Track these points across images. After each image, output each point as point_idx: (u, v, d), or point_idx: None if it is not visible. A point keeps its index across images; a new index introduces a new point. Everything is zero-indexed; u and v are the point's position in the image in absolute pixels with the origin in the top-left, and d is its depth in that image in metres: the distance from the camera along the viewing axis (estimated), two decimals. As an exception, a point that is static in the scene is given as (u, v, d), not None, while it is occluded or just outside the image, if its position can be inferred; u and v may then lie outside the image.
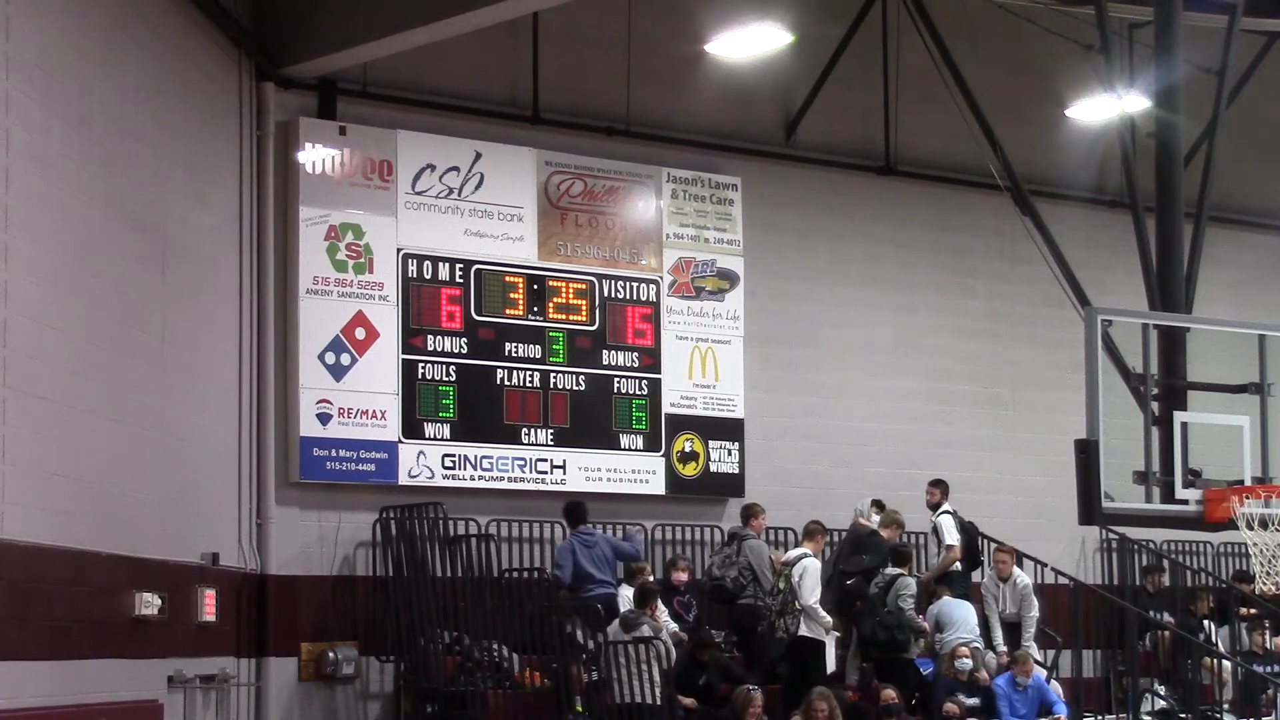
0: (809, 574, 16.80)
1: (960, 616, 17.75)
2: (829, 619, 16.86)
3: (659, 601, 16.64)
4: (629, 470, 18.03)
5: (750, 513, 17.88)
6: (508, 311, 17.49)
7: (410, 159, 17.13)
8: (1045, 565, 19.25)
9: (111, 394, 13.01)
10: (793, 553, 17.27)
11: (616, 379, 18.07)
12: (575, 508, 16.95)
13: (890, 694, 16.88)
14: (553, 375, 17.64)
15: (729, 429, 18.67)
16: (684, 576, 17.67)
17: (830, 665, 17.16)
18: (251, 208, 16.11)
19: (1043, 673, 17.99)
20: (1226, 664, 19.09)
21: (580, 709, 15.67)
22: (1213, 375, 14.73)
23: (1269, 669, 18.88)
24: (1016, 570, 18.54)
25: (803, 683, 16.34)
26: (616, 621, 15.96)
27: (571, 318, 17.84)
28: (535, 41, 17.90)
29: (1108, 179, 21.09)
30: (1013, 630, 18.39)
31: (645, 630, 15.78)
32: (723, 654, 16.86)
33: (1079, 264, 17.07)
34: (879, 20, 19.72)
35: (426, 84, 17.38)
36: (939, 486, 18.93)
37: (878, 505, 18.25)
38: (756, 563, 17.38)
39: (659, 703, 15.54)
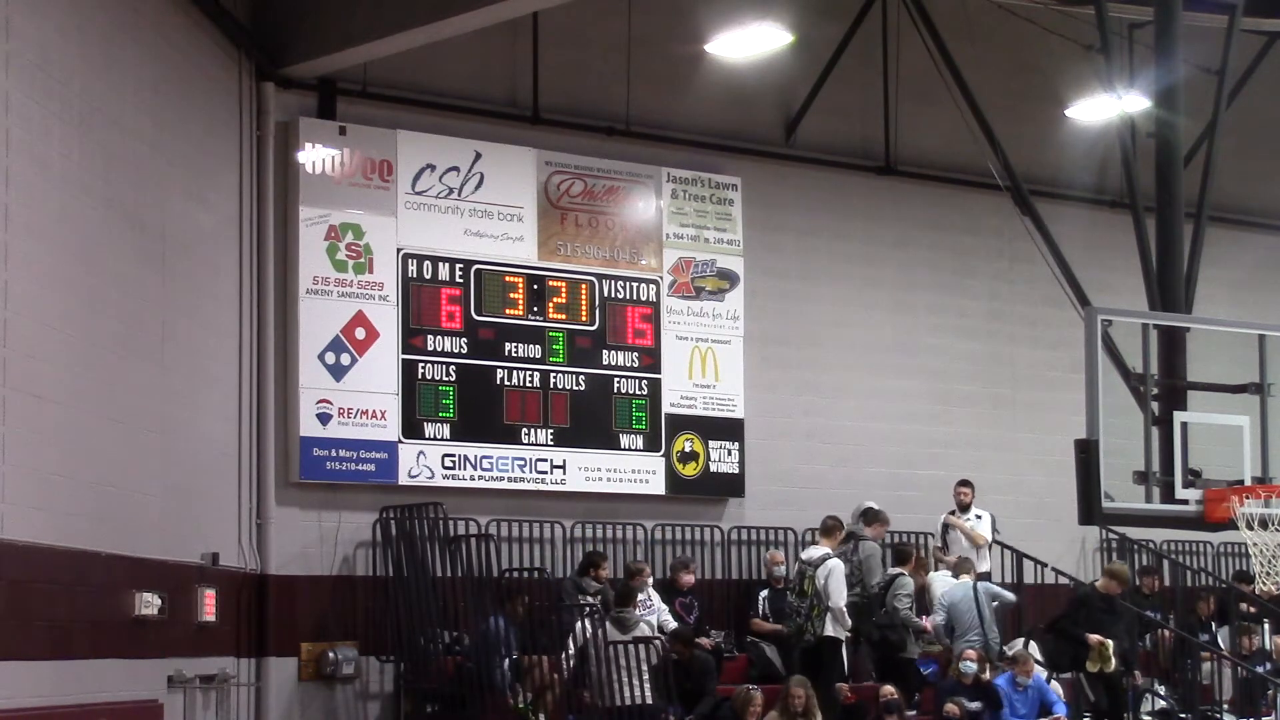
0: (835, 575, 16.77)
1: (963, 602, 17.79)
2: (849, 620, 16.89)
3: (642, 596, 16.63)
4: (629, 470, 18.02)
5: (877, 519, 17.92)
6: (508, 311, 17.49)
7: (410, 159, 17.13)
8: (1045, 565, 19.29)
9: (111, 394, 13.01)
10: (813, 552, 17.19)
11: (616, 379, 18.07)
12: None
13: (889, 689, 16.89)
14: (553, 375, 17.64)
15: (729, 429, 18.67)
16: (690, 579, 17.67)
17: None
18: (251, 208, 16.11)
19: (1043, 673, 17.99)
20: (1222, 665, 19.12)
21: (523, 706, 15.58)
22: (1213, 375, 14.71)
23: (1264, 667, 18.87)
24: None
25: (816, 682, 16.33)
26: (608, 623, 15.88)
27: (571, 318, 17.84)
28: (535, 41, 17.89)
29: (1108, 179, 21.08)
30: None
31: (643, 630, 15.75)
32: (706, 653, 16.80)
33: (1079, 264, 17.05)
34: (879, 20, 19.72)
35: (426, 84, 17.38)
36: (970, 486, 19.05)
37: (866, 515, 18.20)
38: (866, 564, 17.53)
39: (652, 702, 15.49)
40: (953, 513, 19.21)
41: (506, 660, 15.67)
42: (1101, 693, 17.49)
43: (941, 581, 18.48)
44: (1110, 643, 17.39)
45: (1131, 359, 14.31)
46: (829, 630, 16.73)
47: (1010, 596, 18.17)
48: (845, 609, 16.77)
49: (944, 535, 19.32)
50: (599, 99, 18.42)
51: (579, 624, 15.78)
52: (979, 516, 19.07)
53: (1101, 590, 17.84)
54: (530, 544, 17.48)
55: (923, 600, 18.42)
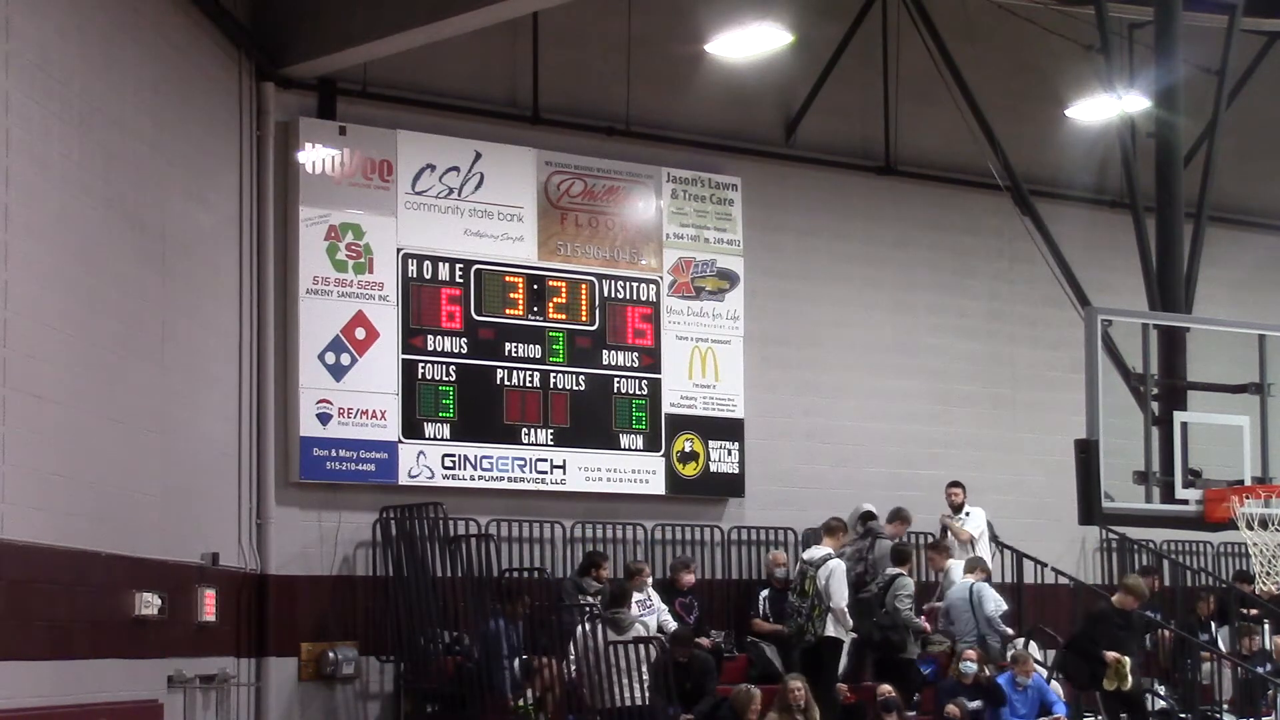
0: (836, 575, 16.82)
1: (961, 603, 17.80)
2: (850, 620, 16.92)
3: (638, 595, 16.61)
4: (629, 470, 18.02)
5: (899, 517, 18.17)
6: (508, 311, 17.49)
7: (410, 159, 17.13)
8: (1045, 565, 19.29)
9: (111, 394, 13.01)
10: (815, 552, 17.24)
11: (616, 379, 18.07)
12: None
13: (887, 688, 16.88)
14: (553, 375, 17.64)
15: (729, 429, 18.67)
16: (691, 579, 17.67)
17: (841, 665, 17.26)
18: (251, 208, 16.11)
19: (1043, 672, 18.00)
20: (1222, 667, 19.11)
21: (522, 705, 15.57)
22: (1213, 375, 14.71)
23: (1264, 668, 18.87)
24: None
25: (816, 682, 16.34)
26: (604, 624, 15.84)
27: (571, 318, 17.84)
28: (535, 41, 17.89)
29: (1108, 179, 21.08)
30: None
31: (639, 630, 15.74)
32: (706, 653, 16.79)
33: (1079, 264, 17.05)
34: (879, 20, 19.72)
35: (426, 84, 17.38)
36: (961, 487, 19.05)
37: (865, 517, 18.24)
38: (881, 562, 17.71)
39: (648, 703, 15.47)
40: (948, 514, 19.24)
41: (515, 660, 15.64)
42: (1117, 712, 17.20)
43: (959, 569, 18.49)
44: (1127, 660, 17.01)
45: (1131, 359, 14.31)
46: (830, 630, 16.78)
47: (990, 609, 18.07)
48: (847, 609, 16.81)
49: (943, 535, 19.35)
50: (599, 99, 18.42)
51: (580, 625, 15.77)
52: (968, 514, 19.09)
53: (1118, 606, 17.49)
54: (530, 544, 17.48)
55: (925, 597, 18.45)
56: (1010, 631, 18.18)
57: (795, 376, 19.56)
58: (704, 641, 17.21)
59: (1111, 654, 17.04)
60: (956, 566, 18.62)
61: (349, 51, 16.07)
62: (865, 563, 17.67)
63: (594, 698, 15.46)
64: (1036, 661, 17.98)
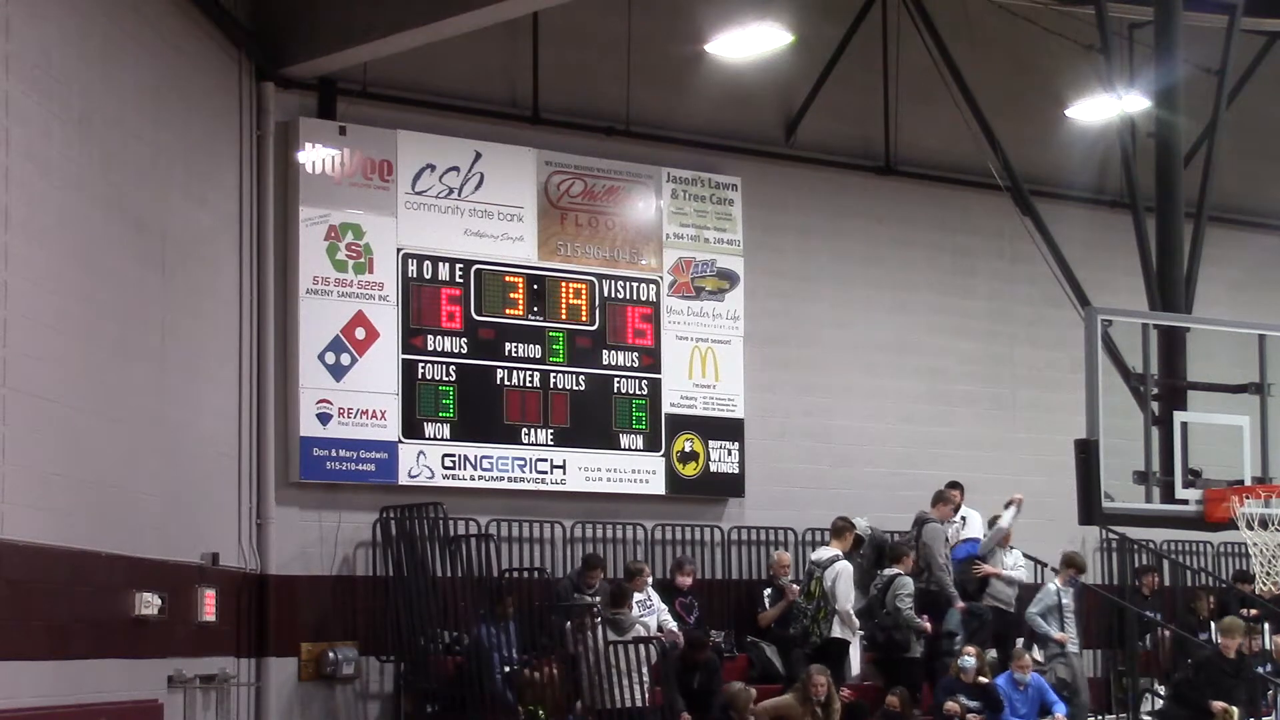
0: (843, 578, 16.81)
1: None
2: (856, 621, 16.92)
3: (638, 596, 16.59)
4: (629, 470, 18.02)
5: (941, 499, 18.20)
6: (508, 311, 17.49)
7: (410, 159, 17.13)
8: (1045, 565, 19.29)
9: (111, 394, 13.01)
10: (822, 553, 17.23)
11: (616, 379, 18.07)
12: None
13: (894, 700, 16.80)
14: (553, 375, 17.64)
15: (729, 429, 18.67)
16: (689, 580, 17.66)
17: (855, 667, 17.23)
18: (251, 208, 16.11)
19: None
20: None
21: (531, 707, 15.57)
22: (1213, 375, 14.72)
23: (1265, 668, 18.86)
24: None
25: None
26: (605, 625, 15.83)
27: (571, 318, 17.84)
28: (535, 41, 17.90)
29: (1108, 179, 21.09)
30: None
31: (639, 631, 15.75)
32: (716, 656, 16.79)
33: (1079, 264, 17.07)
34: (879, 20, 19.73)
35: (426, 84, 17.38)
36: (958, 488, 19.03)
37: (856, 543, 18.17)
38: (929, 547, 17.69)
39: (648, 704, 15.46)
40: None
41: (505, 668, 15.61)
42: None
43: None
44: (1235, 710, 16.93)
45: (1131, 359, 14.31)
46: (836, 632, 16.77)
47: (1033, 607, 18.17)
48: (853, 611, 16.81)
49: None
50: (599, 99, 18.43)
51: (571, 622, 15.76)
52: (963, 519, 19.03)
53: (1223, 651, 17.38)
54: (530, 544, 17.48)
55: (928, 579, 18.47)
56: (1055, 634, 18.11)
57: (795, 376, 19.56)
58: (704, 641, 17.22)
59: (1219, 704, 16.94)
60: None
61: (349, 51, 16.07)
62: (916, 550, 17.70)
63: (591, 698, 15.46)
64: (1037, 663, 17.97)
